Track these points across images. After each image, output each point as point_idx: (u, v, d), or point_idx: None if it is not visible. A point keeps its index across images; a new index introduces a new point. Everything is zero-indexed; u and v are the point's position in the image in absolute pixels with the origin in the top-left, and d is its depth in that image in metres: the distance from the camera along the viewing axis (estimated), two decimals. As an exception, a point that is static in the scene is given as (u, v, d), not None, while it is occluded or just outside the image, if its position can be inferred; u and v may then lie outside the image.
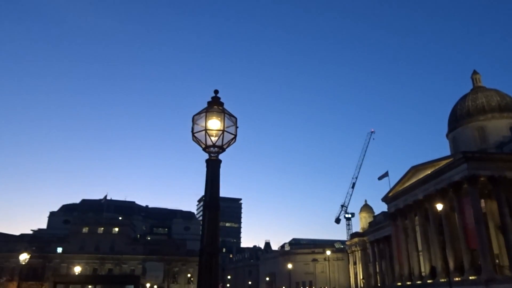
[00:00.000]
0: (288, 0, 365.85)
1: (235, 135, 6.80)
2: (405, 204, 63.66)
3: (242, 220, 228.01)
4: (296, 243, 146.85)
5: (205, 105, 6.90)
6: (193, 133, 6.72)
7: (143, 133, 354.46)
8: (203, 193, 6.87)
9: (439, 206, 47.26)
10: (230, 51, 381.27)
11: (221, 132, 6.59)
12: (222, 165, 6.75)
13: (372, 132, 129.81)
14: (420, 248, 61.15)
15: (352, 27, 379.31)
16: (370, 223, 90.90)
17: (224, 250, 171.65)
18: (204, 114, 6.73)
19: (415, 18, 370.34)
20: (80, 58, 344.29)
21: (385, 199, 70.28)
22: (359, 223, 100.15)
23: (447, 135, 70.26)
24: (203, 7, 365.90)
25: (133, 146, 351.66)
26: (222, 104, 6.92)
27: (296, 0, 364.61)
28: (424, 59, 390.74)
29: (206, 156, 6.70)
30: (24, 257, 31.19)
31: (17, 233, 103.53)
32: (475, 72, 70.43)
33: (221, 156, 6.79)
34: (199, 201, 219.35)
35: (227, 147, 6.76)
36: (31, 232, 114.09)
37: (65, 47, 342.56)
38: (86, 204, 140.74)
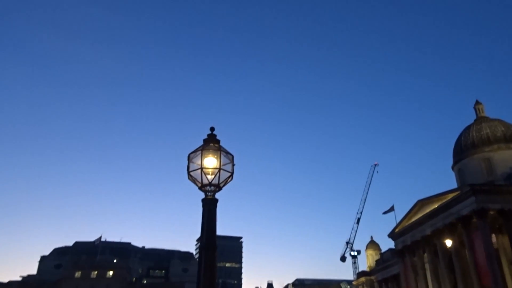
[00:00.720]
0: (285, 34, 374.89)
1: (232, 173, 6.86)
2: (412, 240, 62.73)
3: (243, 259, 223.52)
4: (300, 284, 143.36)
5: (201, 143, 7.01)
6: (188, 172, 6.79)
7: (138, 172, 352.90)
8: (202, 233, 6.77)
9: (449, 242, 46.60)
10: (227, 87, 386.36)
11: (217, 170, 6.66)
12: (221, 202, 6.79)
13: (375, 165, 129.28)
14: (430, 286, 59.74)
15: (352, 61, 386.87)
16: (377, 261, 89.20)
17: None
18: (199, 152, 6.82)
19: (414, 48, 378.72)
20: (71, 99, 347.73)
21: (392, 235, 69.32)
22: (366, 261, 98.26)
23: (452, 167, 70.25)
24: (195, 42, 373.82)
25: (128, 185, 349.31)
26: (218, 141, 7.02)
27: (293, 34, 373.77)
28: (425, 90, 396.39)
29: (202, 195, 6.74)
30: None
31: (5, 280, 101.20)
32: (477, 102, 71.23)
33: (220, 194, 6.84)
34: (197, 240, 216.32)
35: (223, 185, 6.80)
36: (20, 279, 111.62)
37: (60, 88, 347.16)
38: (79, 246, 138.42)
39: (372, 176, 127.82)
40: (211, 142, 6.97)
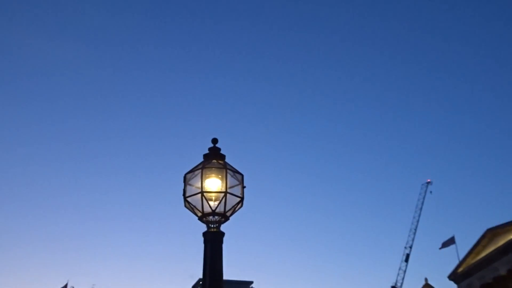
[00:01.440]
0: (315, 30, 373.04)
1: (242, 198, 6.84)
2: (482, 283, 61.78)
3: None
4: None
5: (201, 159, 6.95)
6: (185, 197, 6.73)
7: (116, 197, 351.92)
8: (200, 276, 6.76)
9: (530, 285, 45.81)
10: (232, 91, 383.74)
11: (223, 194, 6.63)
12: (226, 237, 6.70)
13: (428, 183, 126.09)
14: None
15: (400, 65, 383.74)
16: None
17: None
18: (199, 171, 6.77)
19: (474, 50, 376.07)
20: (35, 115, 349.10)
21: (453, 276, 68.38)
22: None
23: (532, 184, 69.49)
24: (191, 38, 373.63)
25: (102, 215, 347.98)
26: (223, 157, 6.97)
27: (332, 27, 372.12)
28: (487, 93, 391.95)
29: (203, 227, 6.70)
30: None
31: None
32: None
33: (225, 226, 6.78)
34: (195, 287, 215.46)
35: (231, 214, 6.78)
36: None
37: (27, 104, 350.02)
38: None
39: (424, 199, 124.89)
40: (214, 158, 6.94)
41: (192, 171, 6.91)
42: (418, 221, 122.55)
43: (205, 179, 6.78)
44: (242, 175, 7.00)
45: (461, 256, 67.26)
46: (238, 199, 6.82)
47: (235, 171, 6.96)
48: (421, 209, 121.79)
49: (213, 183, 6.80)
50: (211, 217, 6.69)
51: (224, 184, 6.76)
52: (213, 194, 6.71)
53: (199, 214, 6.71)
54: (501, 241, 57.91)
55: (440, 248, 79.96)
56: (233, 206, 6.78)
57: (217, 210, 6.66)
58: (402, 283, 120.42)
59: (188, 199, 6.75)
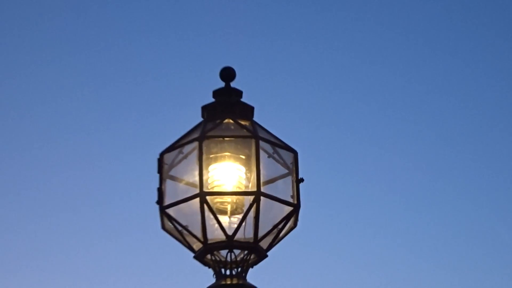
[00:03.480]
0: None
1: (297, 206, 3.08)
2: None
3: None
4: None
5: (196, 119, 3.31)
6: (162, 208, 3.11)
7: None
8: None
9: None
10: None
11: (251, 198, 3.00)
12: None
13: None
14: None
15: None
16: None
17: None
18: (194, 145, 3.12)
19: None
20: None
21: None
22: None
23: None
24: None
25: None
26: (249, 111, 3.24)
27: None
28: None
29: (208, 275, 3.18)
30: None
31: None
32: None
33: (256, 272, 3.29)
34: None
35: (273, 244, 3.13)
36: None
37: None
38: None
39: None
40: (229, 115, 3.24)
41: (177, 146, 3.17)
42: None
43: (209, 163, 3.11)
44: (295, 153, 3.18)
45: None
46: (288, 209, 3.11)
47: (278, 144, 3.19)
48: None
49: (228, 174, 3.16)
50: (224, 252, 3.13)
51: (254, 175, 3.09)
52: (229, 199, 3.12)
53: (198, 245, 3.16)
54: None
55: None
56: (275, 226, 3.12)
57: (239, 237, 3.07)
58: None
59: (170, 211, 3.08)
